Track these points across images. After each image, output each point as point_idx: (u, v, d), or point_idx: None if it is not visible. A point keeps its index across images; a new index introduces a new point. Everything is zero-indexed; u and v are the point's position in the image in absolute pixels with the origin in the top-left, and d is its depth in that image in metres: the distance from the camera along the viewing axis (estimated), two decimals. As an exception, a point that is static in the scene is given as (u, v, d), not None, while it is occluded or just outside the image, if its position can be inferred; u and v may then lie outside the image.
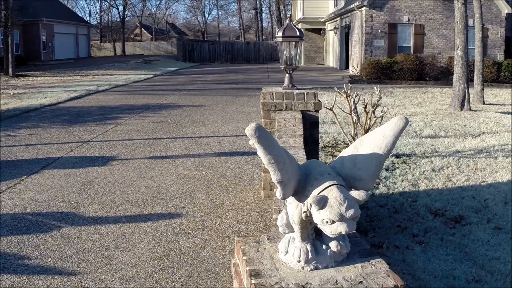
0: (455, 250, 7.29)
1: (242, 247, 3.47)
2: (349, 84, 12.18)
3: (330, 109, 11.80)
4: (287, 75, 7.98)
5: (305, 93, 7.63)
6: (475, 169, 11.43)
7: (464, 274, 6.56)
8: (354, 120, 11.78)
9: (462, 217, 8.67)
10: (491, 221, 8.50)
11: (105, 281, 5.77)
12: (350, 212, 2.92)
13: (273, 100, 7.65)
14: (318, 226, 3.03)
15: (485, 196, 9.67)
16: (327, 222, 2.93)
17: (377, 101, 11.79)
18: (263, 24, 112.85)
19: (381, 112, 12.02)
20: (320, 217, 2.95)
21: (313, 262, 3.15)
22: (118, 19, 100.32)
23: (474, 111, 20.23)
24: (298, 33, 7.76)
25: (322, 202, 2.94)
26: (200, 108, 19.66)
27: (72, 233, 7.13)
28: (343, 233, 2.94)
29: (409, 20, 35.46)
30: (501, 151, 13.08)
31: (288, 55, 7.88)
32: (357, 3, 35.76)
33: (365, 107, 11.58)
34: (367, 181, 3.28)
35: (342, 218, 2.92)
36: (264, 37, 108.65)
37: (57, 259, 6.30)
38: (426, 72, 32.86)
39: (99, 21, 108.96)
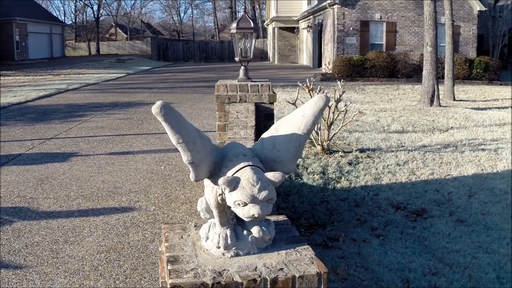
0: (414, 243, 7.24)
1: (166, 234, 3.39)
2: (312, 79, 12.10)
3: (292, 104, 11.75)
4: (242, 67, 7.91)
5: (259, 85, 7.56)
6: (441, 163, 11.42)
7: (421, 267, 6.50)
8: (318, 115, 11.70)
9: (424, 210, 8.64)
10: (453, 214, 8.48)
11: (50, 274, 5.67)
12: (263, 194, 2.83)
13: (227, 93, 7.58)
14: (232, 208, 2.94)
15: (449, 190, 9.65)
16: (239, 204, 2.84)
17: (340, 95, 11.75)
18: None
19: (344, 106, 11.98)
20: (232, 199, 2.86)
21: (233, 248, 3.05)
22: (93, 19, 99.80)
23: (444, 107, 20.29)
24: (252, 25, 7.69)
25: (233, 183, 2.84)
26: (168, 106, 19.49)
27: (23, 227, 7.01)
28: (256, 216, 2.85)
29: (381, 18, 35.52)
30: (468, 146, 13.09)
31: (243, 47, 7.80)
32: (329, 1, 35.75)
33: (327, 101, 11.51)
34: (287, 163, 3.19)
35: (254, 200, 2.82)
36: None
37: (5, 253, 6.19)
38: (398, 70, 32.97)
39: (74, 21, 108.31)
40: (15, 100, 21.45)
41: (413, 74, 32.98)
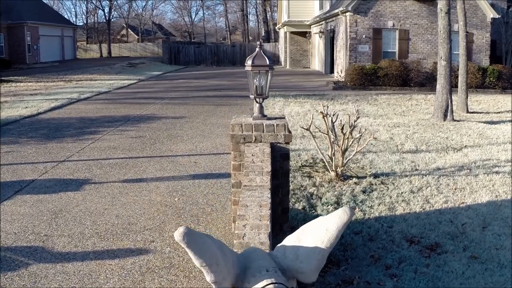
0: (428, 284, 7.16)
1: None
2: (326, 106, 12.02)
3: (307, 129, 11.69)
4: (257, 104, 7.83)
5: (275, 124, 7.49)
6: (455, 189, 11.32)
7: (435, 313, 6.43)
8: (332, 140, 11.66)
9: (438, 244, 8.56)
10: (467, 249, 8.39)
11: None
12: None
13: (242, 132, 7.51)
14: None
15: (463, 220, 9.56)
16: None
17: (354, 121, 11.67)
18: (250, 24, 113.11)
19: (359, 133, 11.90)
20: None
21: None
22: (104, 20, 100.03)
23: (457, 121, 20.14)
24: (268, 62, 7.61)
25: None
26: (180, 120, 19.47)
27: (39, 271, 6.95)
28: None
29: (393, 25, 35.40)
30: (482, 168, 12.99)
31: (258, 84, 7.73)
32: (341, 8, 35.70)
33: (342, 129, 11.46)
34: (310, 274, 3.16)
35: None
36: (250, 37, 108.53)
37: (21, 303, 6.15)
38: (411, 78, 32.78)
39: (85, 22, 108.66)
40: (27, 113, 21.50)
41: (426, 82, 32.78)
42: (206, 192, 10.40)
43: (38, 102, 24.99)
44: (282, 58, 61.48)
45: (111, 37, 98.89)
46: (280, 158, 7.56)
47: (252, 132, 7.50)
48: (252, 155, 6.96)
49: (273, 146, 7.47)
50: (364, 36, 35.32)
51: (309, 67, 54.58)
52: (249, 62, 7.64)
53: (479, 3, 35.35)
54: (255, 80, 7.73)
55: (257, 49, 7.73)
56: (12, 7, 53.79)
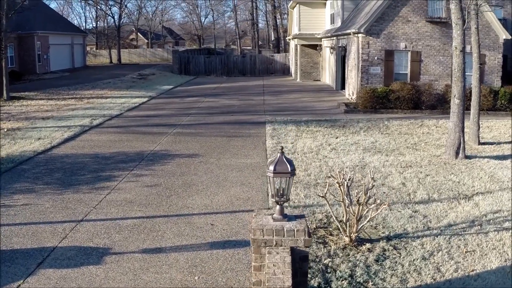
0: None
1: None
2: (346, 173, 12.14)
3: (322, 197, 11.83)
4: (278, 206, 7.93)
5: (295, 230, 7.61)
6: (465, 252, 11.47)
7: None
8: (347, 206, 11.81)
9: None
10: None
11: None
12: None
13: (263, 236, 7.62)
14: None
15: (472, 294, 9.77)
16: None
17: (369, 189, 11.80)
18: (260, 26, 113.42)
19: (374, 204, 12.00)
20: None
21: None
22: (114, 24, 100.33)
23: (469, 158, 20.16)
24: (289, 169, 7.68)
25: None
26: (194, 161, 19.54)
27: None
28: None
29: (406, 47, 35.39)
30: (493, 223, 13.13)
31: (279, 187, 7.84)
32: (353, 30, 35.77)
33: (358, 200, 11.58)
34: None
35: None
36: (260, 42, 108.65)
37: None
38: (422, 101, 32.75)
39: (95, 25, 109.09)
40: (41, 147, 21.81)
41: (437, 104, 32.72)
42: (225, 268, 10.49)
43: (50, 131, 25.27)
44: (292, 70, 61.60)
45: (121, 42, 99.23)
46: (299, 260, 7.70)
47: (273, 237, 7.63)
48: (274, 265, 7.10)
49: (292, 249, 7.62)
50: (376, 58, 35.33)
51: (319, 80, 54.67)
52: (271, 167, 7.70)
53: (492, 24, 35.22)
54: (276, 184, 7.83)
55: (278, 154, 7.78)
56: (23, 18, 54.00)
